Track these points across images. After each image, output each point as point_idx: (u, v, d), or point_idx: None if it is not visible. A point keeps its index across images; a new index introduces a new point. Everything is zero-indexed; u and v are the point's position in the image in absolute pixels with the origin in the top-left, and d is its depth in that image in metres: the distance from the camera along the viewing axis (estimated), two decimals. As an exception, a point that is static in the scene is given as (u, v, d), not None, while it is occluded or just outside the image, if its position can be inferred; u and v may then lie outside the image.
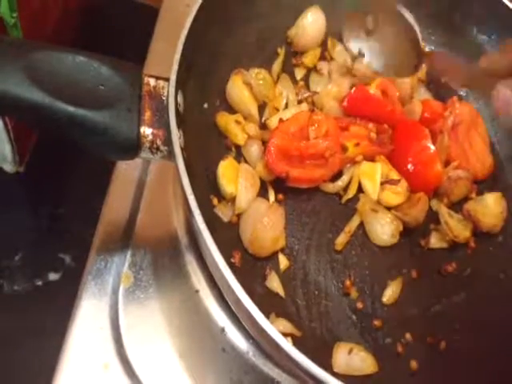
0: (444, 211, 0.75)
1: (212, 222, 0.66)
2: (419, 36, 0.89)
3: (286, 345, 0.50)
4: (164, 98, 0.59)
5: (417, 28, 0.89)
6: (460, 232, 0.75)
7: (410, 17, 0.88)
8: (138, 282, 0.71)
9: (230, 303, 0.62)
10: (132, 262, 0.71)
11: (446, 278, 0.75)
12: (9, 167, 0.98)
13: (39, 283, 0.94)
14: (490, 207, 0.76)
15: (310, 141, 0.73)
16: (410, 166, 0.77)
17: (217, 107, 0.75)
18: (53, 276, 0.94)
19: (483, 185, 0.83)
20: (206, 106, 0.73)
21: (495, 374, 0.68)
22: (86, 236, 0.76)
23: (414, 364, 0.67)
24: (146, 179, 0.77)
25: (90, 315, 0.68)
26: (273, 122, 0.75)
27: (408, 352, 0.69)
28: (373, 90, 0.77)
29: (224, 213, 0.69)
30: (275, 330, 0.51)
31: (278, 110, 0.77)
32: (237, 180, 0.69)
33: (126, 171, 0.77)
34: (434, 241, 0.76)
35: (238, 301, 0.52)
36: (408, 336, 0.69)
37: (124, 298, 0.69)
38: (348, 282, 0.70)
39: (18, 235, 0.99)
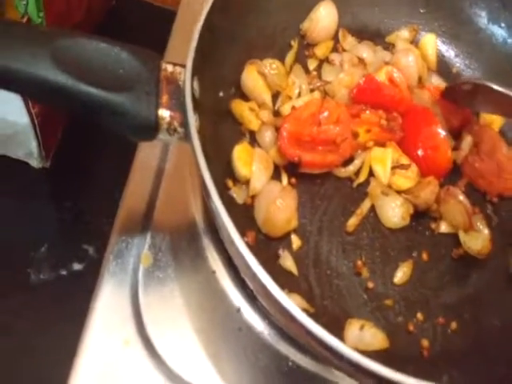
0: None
1: (227, 203, 0.68)
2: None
3: (301, 315, 0.52)
4: (181, 83, 0.63)
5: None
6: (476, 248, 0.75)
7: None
8: (157, 262, 0.74)
9: (245, 279, 0.65)
10: (151, 244, 0.75)
11: (456, 260, 0.76)
12: (35, 162, 1.03)
13: (64, 273, 0.98)
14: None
15: (321, 127, 0.75)
16: (420, 152, 0.78)
17: (232, 95, 0.78)
18: (77, 266, 0.98)
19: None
20: (221, 94, 0.76)
21: (506, 354, 0.69)
22: (108, 229, 0.79)
23: (425, 343, 0.69)
24: (165, 167, 0.80)
25: (111, 293, 0.71)
26: (286, 109, 0.78)
27: (419, 331, 0.70)
28: (381, 78, 0.79)
29: (238, 195, 0.72)
30: (289, 300, 0.53)
31: (290, 98, 0.80)
32: (251, 163, 0.71)
33: (146, 159, 0.81)
34: (445, 226, 0.78)
35: (253, 274, 0.55)
36: (419, 316, 0.71)
37: (144, 277, 0.72)
38: (359, 263, 0.72)
39: (43, 228, 1.03)
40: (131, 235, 0.75)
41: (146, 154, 0.82)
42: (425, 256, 0.75)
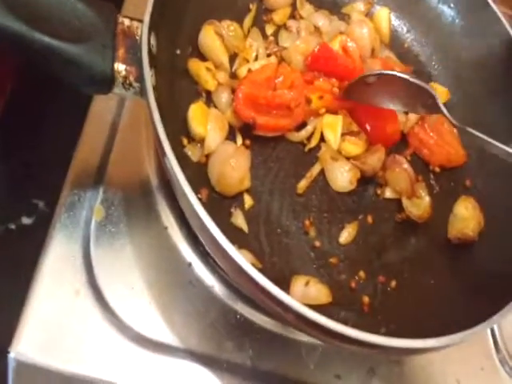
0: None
1: (181, 161, 0.69)
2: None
3: (249, 267, 0.55)
4: (138, 38, 0.63)
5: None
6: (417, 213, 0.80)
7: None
8: (109, 216, 0.75)
9: (196, 233, 0.67)
10: (104, 198, 0.75)
11: (399, 224, 0.81)
12: (-18, 115, 1.00)
13: (12, 227, 0.97)
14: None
15: (276, 91, 0.77)
16: (370, 122, 0.82)
17: (189, 54, 0.78)
18: (26, 220, 0.97)
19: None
20: (178, 51, 0.76)
21: (439, 308, 0.75)
22: (60, 183, 0.79)
23: (365, 299, 0.73)
24: (120, 121, 0.81)
25: (62, 244, 0.72)
26: (242, 72, 0.79)
27: (361, 288, 0.74)
28: (335, 47, 0.82)
29: (193, 153, 0.73)
30: (239, 254, 0.55)
31: (247, 61, 0.81)
32: (206, 122, 0.73)
33: (101, 113, 0.81)
34: (389, 192, 0.82)
35: (204, 229, 0.56)
36: (361, 274, 0.75)
37: (96, 230, 0.73)
38: (307, 223, 0.75)
39: (-9, 180, 1.01)
40: (84, 188, 0.76)
41: (101, 108, 0.82)
42: (369, 219, 0.79)
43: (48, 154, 1.03)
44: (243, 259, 0.55)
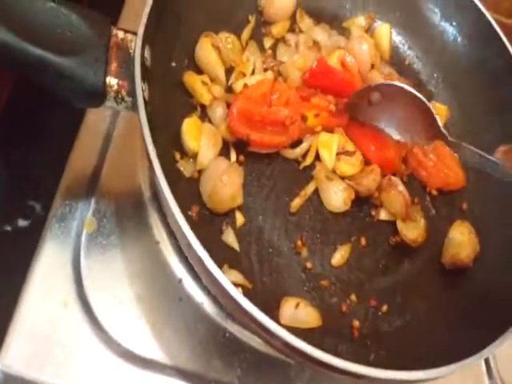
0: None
1: (173, 175, 0.69)
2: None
3: (236, 293, 0.54)
4: (131, 51, 0.62)
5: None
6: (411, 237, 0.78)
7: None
8: (100, 228, 0.74)
9: (185, 252, 0.66)
10: (96, 210, 0.75)
11: (392, 247, 0.79)
12: (-19, 116, 0.99)
13: (8, 228, 0.96)
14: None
15: (271, 108, 0.76)
16: (372, 147, 0.81)
17: (185, 67, 0.77)
18: (22, 222, 0.96)
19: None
20: (173, 64, 0.75)
21: (430, 335, 0.73)
22: (57, 186, 0.78)
23: (356, 323, 0.72)
24: (114, 133, 0.80)
25: (52, 255, 0.71)
26: (238, 86, 0.78)
27: (351, 312, 0.73)
28: (333, 62, 0.80)
29: (186, 168, 0.72)
30: (226, 278, 0.54)
31: (244, 75, 0.80)
32: (200, 137, 0.72)
33: (95, 123, 0.80)
34: (384, 214, 0.80)
35: (191, 248, 0.55)
36: (353, 297, 0.74)
37: (86, 242, 0.73)
38: (300, 243, 0.74)
39: (-12, 182, 1.01)
40: (76, 199, 0.75)
41: (96, 117, 0.81)
42: (363, 241, 0.78)
43: (46, 155, 1.02)
44: (230, 285, 0.54)
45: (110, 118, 0.81)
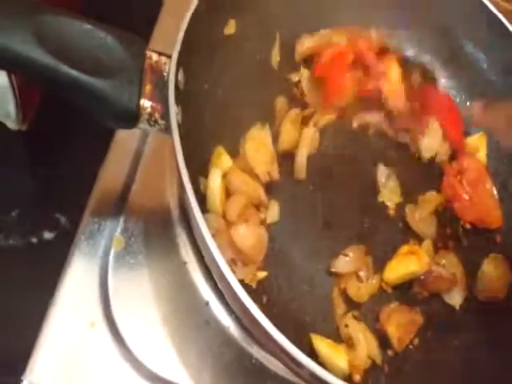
0: None
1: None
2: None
3: (266, 322, 0.52)
4: (165, 74, 0.61)
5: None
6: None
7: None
8: (128, 247, 0.73)
9: (215, 277, 0.65)
10: (124, 228, 0.74)
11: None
12: (12, 124, 0.99)
13: (34, 240, 0.96)
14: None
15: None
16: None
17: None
18: (47, 235, 0.96)
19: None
20: (206, 86, 0.74)
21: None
22: (83, 199, 0.78)
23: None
24: (144, 150, 0.79)
25: (80, 273, 0.71)
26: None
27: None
28: None
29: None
30: (255, 306, 0.53)
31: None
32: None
33: (126, 140, 0.79)
34: None
35: (222, 275, 0.54)
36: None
37: (114, 260, 0.72)
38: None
39: (16, 192, 1.00)
40: (104, 217, 0.74)
41: (126, 134, 0.80)
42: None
43: (74, 167, 1.02)
44: (259, 311, 0.53)
45: (140, 135, 0.80)
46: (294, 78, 0.86)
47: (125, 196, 0.76)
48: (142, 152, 0.79)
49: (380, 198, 0.81)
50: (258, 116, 0.78)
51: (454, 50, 0.90)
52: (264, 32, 0.82)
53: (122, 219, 0.74)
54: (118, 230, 0.74)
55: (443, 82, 0.92)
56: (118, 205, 0.75)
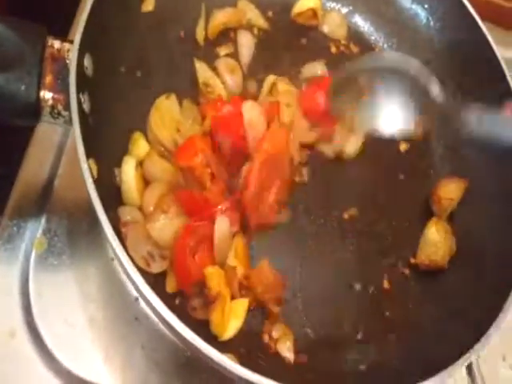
0: None
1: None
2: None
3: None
4: (68, 61, 0.57)
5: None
6: None
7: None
8: (51, 248, 0.70)
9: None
10: (47, 228, 0.70)
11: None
12: None
13: None
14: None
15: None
16: None
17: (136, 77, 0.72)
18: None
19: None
20: (123, 69, 0.70)
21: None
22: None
23: None
24: (67, 143, 0.75)
25: (-2, 280, 0.67)
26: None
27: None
28: None
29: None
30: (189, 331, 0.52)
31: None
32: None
33: (46, 134, 0.75)
34: None
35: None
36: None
37: (36, 264, 0.69)
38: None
39: None
40: (24, 219, 0.70)
41: (48, 128, 0.75)
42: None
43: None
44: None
45: (62, 127, 0.75)
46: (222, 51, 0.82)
47: (47, 193, 0.72)
48: (64, 144, 0.75)
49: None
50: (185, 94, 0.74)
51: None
52: (188, 5, 0.78)
53: (43, 219, 0.71)
54: (40, 230, 0.70)
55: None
56: (40, 203, 0.71)
